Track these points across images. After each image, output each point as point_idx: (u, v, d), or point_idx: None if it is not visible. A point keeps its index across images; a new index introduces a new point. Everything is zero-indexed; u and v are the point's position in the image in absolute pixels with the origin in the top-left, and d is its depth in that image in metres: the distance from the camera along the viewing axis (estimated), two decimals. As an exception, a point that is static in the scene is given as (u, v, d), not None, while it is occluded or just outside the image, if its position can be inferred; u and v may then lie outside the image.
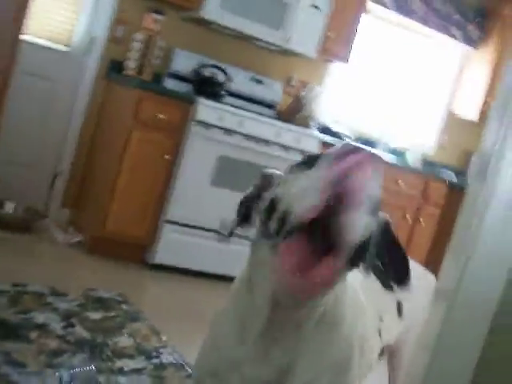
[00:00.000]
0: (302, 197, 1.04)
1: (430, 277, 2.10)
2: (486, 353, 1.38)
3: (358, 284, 1.58)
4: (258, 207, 1.30)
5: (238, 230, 1.38)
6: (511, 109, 1.39)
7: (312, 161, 1.15)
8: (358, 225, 1.04)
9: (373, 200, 1.07)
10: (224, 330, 1.39)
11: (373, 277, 1.68)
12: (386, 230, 1.28)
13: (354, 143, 1.07)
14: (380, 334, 1.70)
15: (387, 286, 1.40)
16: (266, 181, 1.31)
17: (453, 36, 5.88)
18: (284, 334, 1.27)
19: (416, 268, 2.03)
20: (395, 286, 1.72)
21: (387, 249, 1.30)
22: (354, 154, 1.03)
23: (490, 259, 1.41)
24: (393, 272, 1.37)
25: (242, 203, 1.36)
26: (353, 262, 1.12)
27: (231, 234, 1.38)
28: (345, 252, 1.06)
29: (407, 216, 5.19)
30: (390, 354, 2.01)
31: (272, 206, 1.17)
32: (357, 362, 1.42)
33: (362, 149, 1.04)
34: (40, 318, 2.91)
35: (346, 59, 5.20)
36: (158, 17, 4.59)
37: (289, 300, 1.20)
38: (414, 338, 1.92)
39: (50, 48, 4.51)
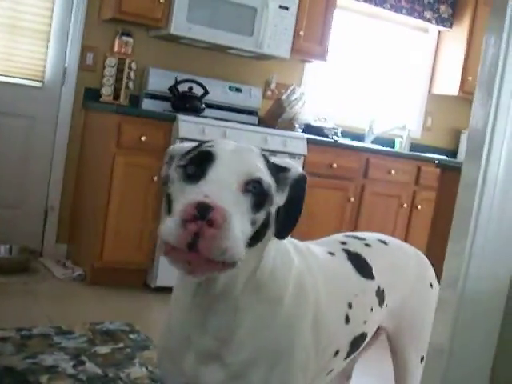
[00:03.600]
0: (170, 235, 1.18)
1: (423, 259, 2.07)
2: (503, 339, 1.34)
3: (317, 268, 1.59)
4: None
5: None
6: (496, 83, 1.35)
7: (192, 152, 1.33)
8: (218, 247, 1.16)
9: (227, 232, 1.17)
10: (174, 310, 1.52)
11: (341, 261, 1.73)
12: (299, 184, 1.39)
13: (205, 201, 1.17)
14: (349, 321, 1.68)
15: None
16: (171, 158, 1.42)
17: (425, 19, 5.85)
18: (217, 304, 1.38)
19: (410, 250, 2.03)
20: (375, 274, 1.79)
21: (293, 202, 1.38)
22: (199, 218, 1.14)
23: (494, 241, 1.37)
24: (281, 224, 1.38)
25: (162, 183, 1.44)
26: (251, 244, 1.27)
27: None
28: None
29: (404, 204, 5.16)
30: (388, 339, 1.99)
31: (169, 200, 1.32)
32: (303, 348, 1.47)
33: (208, 210, 1.15)
34: (49, 360, 2.85)
35: (322, 57, 5.16)
36: (127, 39, 4.55)
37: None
38: (409, 319, 1.93)
39: (22, 85, 4.46)
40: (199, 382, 1.44)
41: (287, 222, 1.39)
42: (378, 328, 1.92)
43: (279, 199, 1.36)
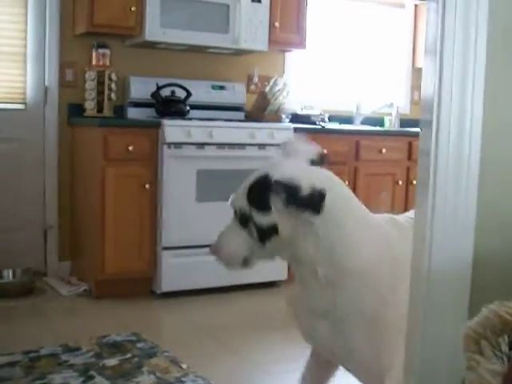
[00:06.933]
0: None
1: None
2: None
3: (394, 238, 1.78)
4: None
5: None
6: (437, 52, 1.36)
7: None
8: None
9: None
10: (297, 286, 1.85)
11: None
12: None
13: None
14: None
15: None
16: None
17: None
18: (311, 280, 1.73)
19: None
20: None
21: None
22: None
23: (453, 210, 1.38)
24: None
25: None
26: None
27: None
28: None
29: (399, 181, 5.16)
30: None
31: None
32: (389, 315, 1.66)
33: None
34: (58, 379, 2.87)
35: (301, 45, 5.15)
36: (104, 51, 4.56)
37: None
38: None
39: (5, 109, 4.48)
40: (313, 334, 1.78)
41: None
42: None
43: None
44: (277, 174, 1.67)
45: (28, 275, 4.41)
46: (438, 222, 1.34)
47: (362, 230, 1.72)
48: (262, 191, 1.69)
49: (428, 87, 1.36)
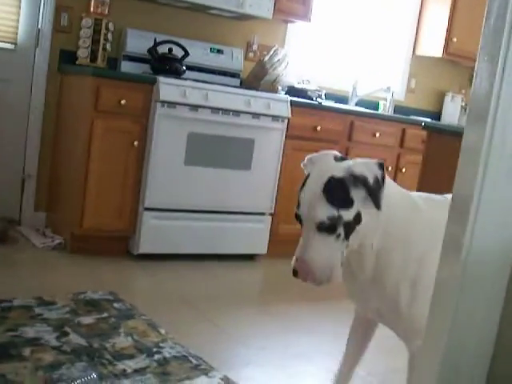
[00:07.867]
0: None
1: None
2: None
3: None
4: None
5: None
6: (504, 38, 1.26)
7: None
8: None
9: None
10: None
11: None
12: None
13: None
14: None
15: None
16: None
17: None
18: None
19: None
20: None
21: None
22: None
23: (499, 211, 1.29)
24: None
25: None
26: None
27: None
28: None
29: (389, 167, 5.09)
30: None
31: None
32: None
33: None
34: (31, 332, 2.75)
35: (306, 17, 5.02)
36: (104, -1, 4.38)
37: None
38: None
39: (-5, 48, 4.29)
40: (362, 299, 2.05)
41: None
42: None
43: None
44: (339, 172, 1.79)
45: (1, 223, 4.24)
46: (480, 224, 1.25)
47: (402, 203, 1.93)
48: (342, 191, 1.77)
49: (484, 77, 1.25)
